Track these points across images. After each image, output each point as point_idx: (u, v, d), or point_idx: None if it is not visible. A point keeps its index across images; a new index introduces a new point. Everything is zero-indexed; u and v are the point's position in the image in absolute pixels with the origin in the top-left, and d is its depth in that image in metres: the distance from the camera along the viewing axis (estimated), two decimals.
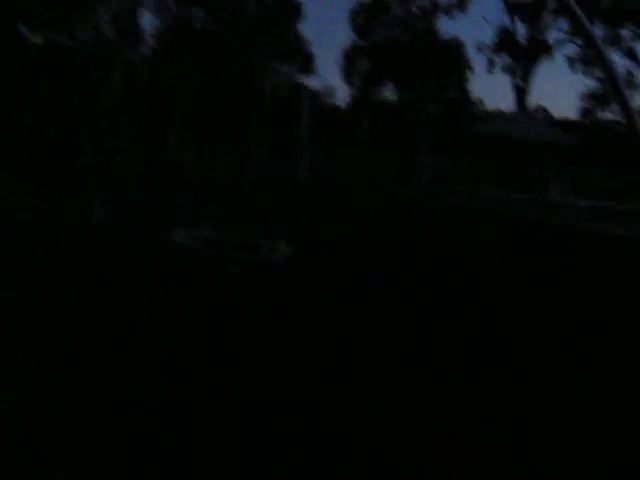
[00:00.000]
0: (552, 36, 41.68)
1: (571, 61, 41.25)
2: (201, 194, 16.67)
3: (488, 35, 46.13)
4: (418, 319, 7.74)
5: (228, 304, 7.70)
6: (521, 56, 40.15)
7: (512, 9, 40.20)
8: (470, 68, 46.95)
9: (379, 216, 17.63)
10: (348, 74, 49.59)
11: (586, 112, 56.10)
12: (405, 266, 10.92)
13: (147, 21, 55.09)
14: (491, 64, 43.02)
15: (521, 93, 40.43)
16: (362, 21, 48.70)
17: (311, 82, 43.78)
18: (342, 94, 78.84)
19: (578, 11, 7.86)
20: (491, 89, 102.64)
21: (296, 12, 40.87)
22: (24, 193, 16.29)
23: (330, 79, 65.79)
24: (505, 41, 41.60)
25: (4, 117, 27.64)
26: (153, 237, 10.88)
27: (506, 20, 41.19)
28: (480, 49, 43.40)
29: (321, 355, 6.21)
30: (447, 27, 75.06)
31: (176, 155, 27.31)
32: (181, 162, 24.73)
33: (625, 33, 38.17)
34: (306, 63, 41.81)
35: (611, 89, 37.84)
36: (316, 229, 13.02)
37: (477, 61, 63.91)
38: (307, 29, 57.00)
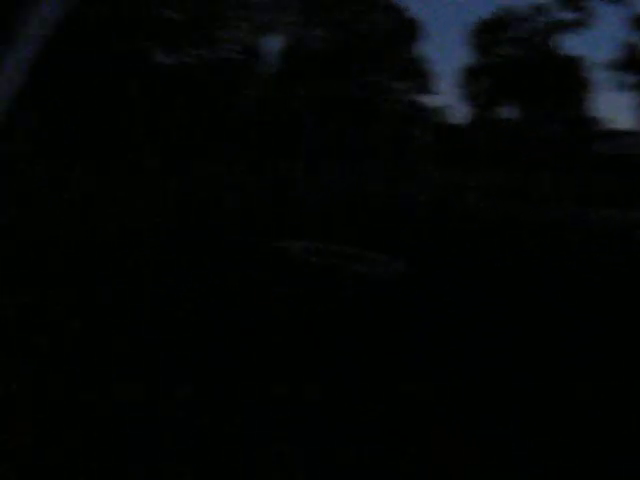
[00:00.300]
0: None
1: None
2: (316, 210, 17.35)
3: (611, 52, 44.97)
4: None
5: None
6: None
7: (638, 25, 39.29)
8: (592, 86, 46.22)
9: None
10: (467, 93, 49.71)
11: None
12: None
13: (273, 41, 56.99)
14: (612, 82, 42.16)
15: None
16: (483, 40, 48.81)
17: (429, 100, 44.35)
18: (461, 113, 78.61)
19: None
20: (612, 107, 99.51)
21: (416, 31, 41.47)
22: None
23: (448, 98, 66.00)
24: (628, 59, 40.66)
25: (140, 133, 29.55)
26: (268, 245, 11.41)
27: (632, 36, 40.32)
28: (604, 67, 42.59)
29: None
30: (570, 45, 73.82)
31: (290, 171, 28.46)
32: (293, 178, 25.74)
33: None
34: (425, 82, 42.28)
35: None
36: (431, 250, 13.24)
37: (599, 79, 62.40)
38: (427, 48, 57.25)
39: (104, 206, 15.97)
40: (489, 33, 48.88)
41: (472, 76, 49.58)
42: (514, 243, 16.00)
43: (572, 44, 66.08)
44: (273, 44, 50.71)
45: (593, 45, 70.99)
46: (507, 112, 50.41)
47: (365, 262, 10.00)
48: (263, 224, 14.67)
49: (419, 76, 42.53)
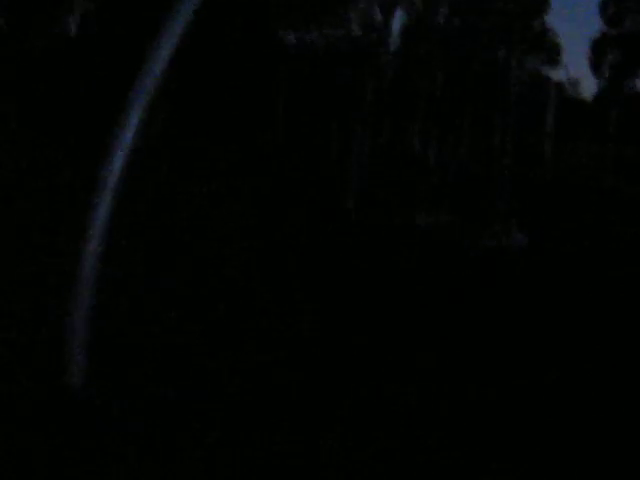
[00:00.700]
0: None
1: None
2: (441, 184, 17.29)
3: None
4: None
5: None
6: None
7: None
8: None
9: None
10: (596, 65, 47.60)
11: None
12: None
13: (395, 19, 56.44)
14: None
15: None
16: (613, 9, 46.58)
17: (557, 74, 42.82)
18: (589, 86, 75.67)
19: None
20: None
21: (543, 3, 39.99)
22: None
23: (577, 70, 63.24)
24: None
25: (261, 112, 30.03)
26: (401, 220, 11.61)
27: None
28: None
29: None
30: None
31: (419, 146, 28.19)
32: (425, 154, 25.50)
33: None
34: (552, 55, 40.80)
35: None
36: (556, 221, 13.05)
37: None
38: (555, 20, 55.29)
39: None
40: (619, 2, 46.64)
41: (601, 48, 47.48)
42: None
43: None
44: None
45: None
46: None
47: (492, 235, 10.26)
48: None
49: (549, 49, 41.10)
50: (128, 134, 4.19)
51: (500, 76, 36.98)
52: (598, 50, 47.29)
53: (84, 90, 29.60)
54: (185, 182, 16.85)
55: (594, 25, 47.72)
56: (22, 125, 27.73)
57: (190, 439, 4.00)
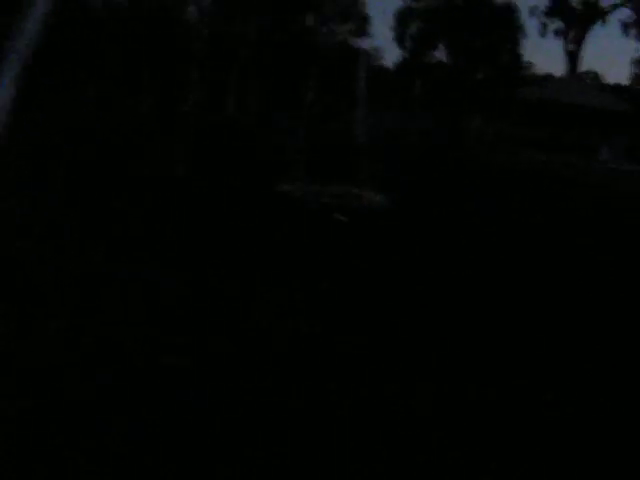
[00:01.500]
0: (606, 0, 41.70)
1: (625, 26, 41.07)
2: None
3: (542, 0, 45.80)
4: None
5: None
6: (574, 21, 40.15)
7: None
8: (523, 32, 47.20)
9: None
10: (400, 36, 50.06)
11: (638, 78, 55.85)
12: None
13: None
14: (544, 28, 43.11)
15: (573, 58, 40.51)
16: None
17: (363, 43, 44.59)
18: (391, 55, 79.09)
19: None
20: (543, 53, 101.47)
21: None
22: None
23: (380, 40, 66.10)
24: (558, 5, 41.60)
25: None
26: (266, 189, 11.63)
27: None
28: (533, 13, 43.43)
29: None
30: None
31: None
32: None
33: None
34: (361, 25, 42.40)
35: None
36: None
37: (529, 25, 63.48)
38: None
39: None
40: None
41: (404, 19, 49.91)
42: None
43: None
44: None
45: None
46: (439, 56, 51.13)
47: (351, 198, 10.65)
48: None
49: (357, 19, 42.65)
50: None
51: (310, 44, 38.10)
52: (402, 22, 49.71)
53: None
54: None
55: None
56: None
57: None
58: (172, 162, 12.53)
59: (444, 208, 12.16)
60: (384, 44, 61.45)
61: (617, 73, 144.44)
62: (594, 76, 74.60)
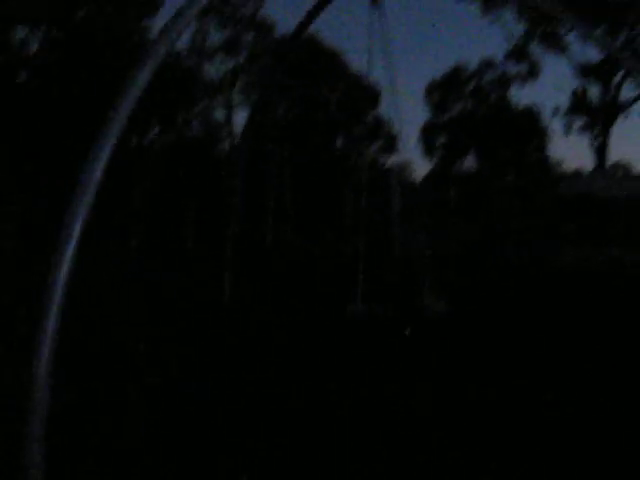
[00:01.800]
0: (627, 93, 42.56)
1: None
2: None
3: (563, 99, 46.90)
4: None
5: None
6: (597, 116, 40.81)
7: (584, 72, 41.13)
8: (547, 133, 48.37)
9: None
10: (427, 148, 51.41)
11: None
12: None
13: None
14: (568, 127, 43.84)
15: (600, 152, 40.90)
16: (437, 97, 50.77)
17: (394, 159, 46.04)
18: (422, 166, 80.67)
19: None
20: (570, 150, 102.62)
21: (377, 97, 42.84)
22: None
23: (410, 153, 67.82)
24: (579, 104, 42.45)
25: None
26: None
27: (578, 83, 42.12)
28: (555, 114, 44.32)
29: None
30: (522, 94, 76.89)
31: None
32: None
33: None
34: (390, 142, 43.65)
35: None
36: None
37: (555, 125, 64.74)
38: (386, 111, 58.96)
39: None
40: (443, 90, 50.86)
41: (430, 132, 51.34)
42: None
43: (524, 93, 68.72)
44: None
45: (544, 93, 73.79)
46: (469, 165, 52.32)
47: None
48: None
49: (384, 137, 44.01)
50: None
51: (342, 164, 39.34)
52: (427, 135, 51.16)
53: None
54: None
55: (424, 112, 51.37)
56: None
57: None
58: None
59: (504, 314, 12.26)
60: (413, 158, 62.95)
61: None
62: (626, 166, 75.18)
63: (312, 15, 8.07)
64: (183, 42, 35.16)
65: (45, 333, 4.26)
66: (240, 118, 49.44)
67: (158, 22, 33.58)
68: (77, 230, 4.38)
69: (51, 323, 4.31)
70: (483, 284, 16.42)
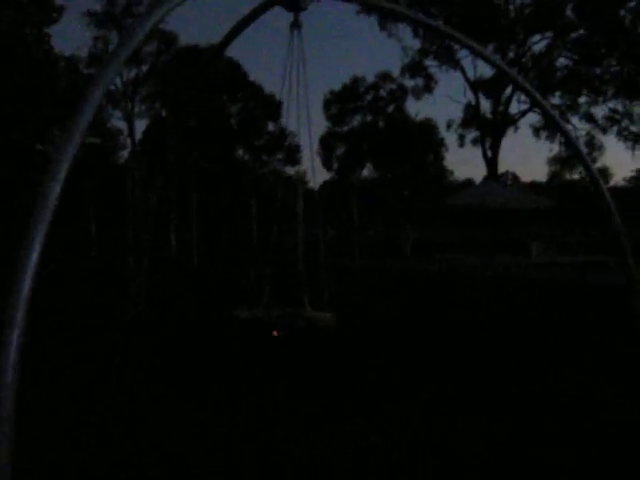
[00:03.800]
0: (516, 107, 44.57)
1: (535, 129, 43.57)
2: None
3: (456, 112, 48.63)
4: None
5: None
6: (488, 129, 42.42)
7: (475, 87, 42.72)
8: (444, 145, 50.19)
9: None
10: (327, 159, 52.22)
11: (553, 175, 59.18)
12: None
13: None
14: (461, 139, 45.45)
15: (491, 163, 42.50)
16: (335, 109, 51.63)
17: (296, 169, 46.56)
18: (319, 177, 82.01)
19: (529, 87, 9.06)
20: (463, 161, 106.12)
21: (277, 108, 43.05)
22: None
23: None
24: (472, 117, 44.05)
25: None
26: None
27: (471, 97, 43.71)
28: (450, 126, 45.81)
29: None
30: (417, 108, 79.34)
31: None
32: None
33: (582, 99, 40.52)
34: (291, 153, 44.02)
35: (572, 152, 40.11)
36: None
37: (448, 137, 66.97)
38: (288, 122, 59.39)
39: None
40: (340, 103, 51.79)
41: (328, 143, 52.18)
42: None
43: (418, 106, 70.67)
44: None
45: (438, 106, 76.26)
46: (366, 174, 53.62)
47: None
48: None
49: (284, 148, 44.34)
50: None
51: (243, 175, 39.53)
52: (325, 145, 51.96)
53: None
54: None
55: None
56: None
57: None
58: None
59: (392, 324, 12.43)
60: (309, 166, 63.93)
61: (532, 172, 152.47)
62: (513, 177, 78.55)
63: (231, 36, 8.26)
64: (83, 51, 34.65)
65: None
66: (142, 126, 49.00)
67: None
68: None
69: None
70: (375, 295, 16.75)
